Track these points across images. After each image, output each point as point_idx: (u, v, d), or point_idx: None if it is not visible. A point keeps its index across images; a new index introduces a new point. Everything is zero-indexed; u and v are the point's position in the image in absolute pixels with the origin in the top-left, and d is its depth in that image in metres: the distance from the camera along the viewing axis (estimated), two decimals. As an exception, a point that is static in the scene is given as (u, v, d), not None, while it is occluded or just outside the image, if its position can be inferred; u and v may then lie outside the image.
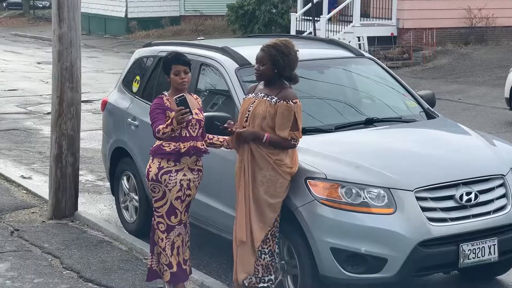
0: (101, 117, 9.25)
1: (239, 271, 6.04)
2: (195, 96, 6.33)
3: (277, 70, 5.95)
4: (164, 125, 5.91)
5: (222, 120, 6.25)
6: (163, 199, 6.11)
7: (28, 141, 13.26)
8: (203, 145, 6.17)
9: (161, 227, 6.15)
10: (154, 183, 6.10)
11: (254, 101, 6.00)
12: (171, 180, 6.06)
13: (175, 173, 6.08)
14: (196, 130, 6.11)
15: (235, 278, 6.09)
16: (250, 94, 6.13)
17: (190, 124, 6.06)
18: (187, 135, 6.06)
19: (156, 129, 5.97)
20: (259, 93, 6.04)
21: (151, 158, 6.16)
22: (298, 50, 6.04)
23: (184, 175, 6.11)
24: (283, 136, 5.85)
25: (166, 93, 6.17)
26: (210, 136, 6.28)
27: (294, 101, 5.88)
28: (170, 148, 6.05)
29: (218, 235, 6.97)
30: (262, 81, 6.07)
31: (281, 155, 5.91)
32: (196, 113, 6.10)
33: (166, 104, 6.06)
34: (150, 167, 6.13)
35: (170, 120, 5.89)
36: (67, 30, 8.38)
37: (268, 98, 5.93)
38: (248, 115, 5.98)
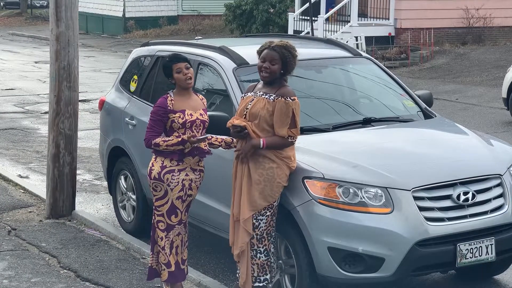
0: (99, 116, 9.25)
1: (234, 248, 6.13)
2: (200, 96, 6.34)
3: (283, 70, 5.98)
4: (168, 142, 5.99)
5: (220, 120, 6.25)
6: (164, 198, 6.12)
7: (26, 141, 13.26)
8: (206, 146, 6.18)
9: (161, 226, 6.16)
10: (156, 182, 6.10)
11: (253, 99, 6.01)
12: (174, 179, 6.07)
13: (178, 173, 6.09)
14: (200, 131, 6.12)
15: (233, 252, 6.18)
16: (249, 93, 6.14)
17: (195, 124, 6.08)
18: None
19: (154, 141, 6.03)
20: (258, 91, 6.05)
21: (153, 156, 6.17)
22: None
23: (187, 175, 6.12)
24: (282, 134, 5.85)
25: (171, 93, 6.17)
26: (209, 136, 6.29)
27: (292, 98, 5.89)
28: (173, 148, 6.06)
29: (216, 235, 6.97)
30: (263, 81, 6.08)
31: (287, 152, 5.94)
32: (201, 114, 6.12)
33: (168, 106, 6.06)
34: (152, 165, 6.14)
35: (180, 140, 5.95)
36: (64, 30, 8.38)
37: (266, 96, 5.94)
38: (246, 113, 5.99)
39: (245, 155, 5.95)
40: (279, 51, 5.96)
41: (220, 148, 6.36)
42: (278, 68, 5.97)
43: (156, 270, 6.30)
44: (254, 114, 5.93)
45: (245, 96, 6.16)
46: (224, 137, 6.28)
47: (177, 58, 6.18)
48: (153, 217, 6.22)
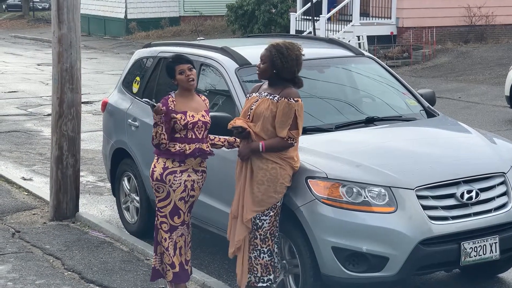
0: (102, 118, 9.26)
1: (230, 245, 6.11)
2: (203, 97, 6.33)
3: (275, 70, 5.95)
4: (155, 130, 5.99)
5: (223, 120, 6.26)
6: (167, 199, 6.12)
7: (29, 143, 13.27)
8: (208, 147, 6.18)
9: (164, 227, 6.16)
10: (159, 183, 6.10)
11: (257, 100, 6.01)
12: (176, 180, 6.07)
13: (180, 174, 6.09)
14: (202, 132, 6.12)
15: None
16: (254, 93, 6.13)
17: (197, 126, 6.07)
18: (193, 137, 6.08)
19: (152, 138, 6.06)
20: (262, 92, 6.05)
21: (156, 158, 6.17)
22: (303, 55, 6.03)
23: (189, 175, 6.11)
24: (282, 135, 5.85)
25: (172, 94, 6.16)
26: (212, 136, 6.29)
27: (295, 99, 5.88)
28: (175, 149, 6.06)
29: (219, 235, 6.96)
30: (266, 81, 6.09)
31: (291, 153, 5.93)
32: (202, 115, 6.12)
33: (170, 107, 6.05)
34: (154, 167, 6.14)
35: (153, 111, 5.95)
36: (66, 32, 8.38)
37: (270, 97, 5.94)
38: (251, 113, 5.99)
39: (242, 158, 5.97)
40: (268, 50, 5.97)
41: (223, 148, 6.36)
42: (266, 67, 5.96)
43: (159, 271, 6.30)
44: (258, 114, 5.93)
45: (249, 96, 6.16)
46: (226, 137, 6.29)
47: (180, 59, 6.17)
48: (156, 218, 6.22)
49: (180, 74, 6.10)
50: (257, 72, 6.05)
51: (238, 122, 5.98)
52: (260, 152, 5.89)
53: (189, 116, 6.06)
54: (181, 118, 6.04)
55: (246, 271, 6.06)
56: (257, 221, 5.96)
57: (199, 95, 6.31)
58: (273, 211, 5.97)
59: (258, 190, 5.90)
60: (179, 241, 6.21)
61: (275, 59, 5.91)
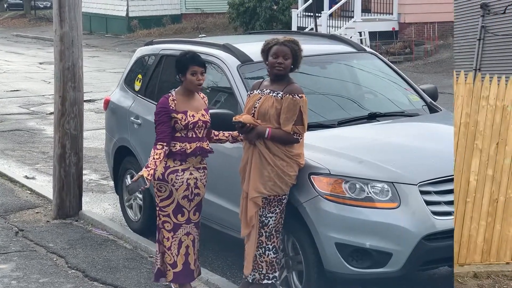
0: (104, 116, 9.27)
1: (242, 225, 6.10)
2: (202, 95, 6.30)
3: (293, 65, 6.02)
4: (150, 161, 5.92)
5: (225, 117, 6.25)
6: (170, 198, 6.10)
7: (31, 142, 13.28)
8: (208, 145, 6.17)
9: (167, 226, 6.13)
10: (161, 183, 6.09)
11: (260, 98, 6.00)
12: (178, 179, 6.05)
13: (182, 172, 6.07)
14: (202, 131, 6.11)
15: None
16: (255, 91, 6.13)
17: (197, 126, 6.06)
18: (193, 136, 6.06)
19: (154, 146, 6.00)
20: (264, 89, 6.04)
21: None
22: None
23: (191, 173, 6.10)
24: (286, 130, 5.85)
25: (173, 92, 6.12)
26: (216, 132, 6.29)
27: (300, 95, 5.89)
28: (176, 149, 6.04)
29: (223, 232, 6.97)
30: (267, 77, 6.09)
31: (297, 150, 5.94)
32: (202, 115, 6.10)
33: (171, 106, 6.02)
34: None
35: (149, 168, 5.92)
36: (68, 30, 8.38)
37: (274, 94, 5.93)
38: (255, 111, 5.98)
39: (249, 141, 5.97)
40: (289, 46, 5.99)
41: (227, 143, 6.38)
42: (290, 62, 6.00)
43: (160, 270, 6.26)
44: (263, 113, 5.93)
45: (251, 94, 6.15)
46: (230, 132, 6.29)
47: (196, 60, 6.05)
48: (158, 218, 6.17)
49: (192, 74, 6.04)
50: (280, 68, 5.96)
51: (244, 117, 5.96)
52: (265, 137, 5.88)
53: (190, 116, 6.04)
54: (182, 118, 6.01)
55: (251, 261, 6.04)
56: (263, 218, 5.96)
57: (198, 93, 6.28)
58: (279, 208, 5.97)
59: (263, 187, 5.89)
60: (185, 239, 6.17)
61: (298, 54, 6.01)
